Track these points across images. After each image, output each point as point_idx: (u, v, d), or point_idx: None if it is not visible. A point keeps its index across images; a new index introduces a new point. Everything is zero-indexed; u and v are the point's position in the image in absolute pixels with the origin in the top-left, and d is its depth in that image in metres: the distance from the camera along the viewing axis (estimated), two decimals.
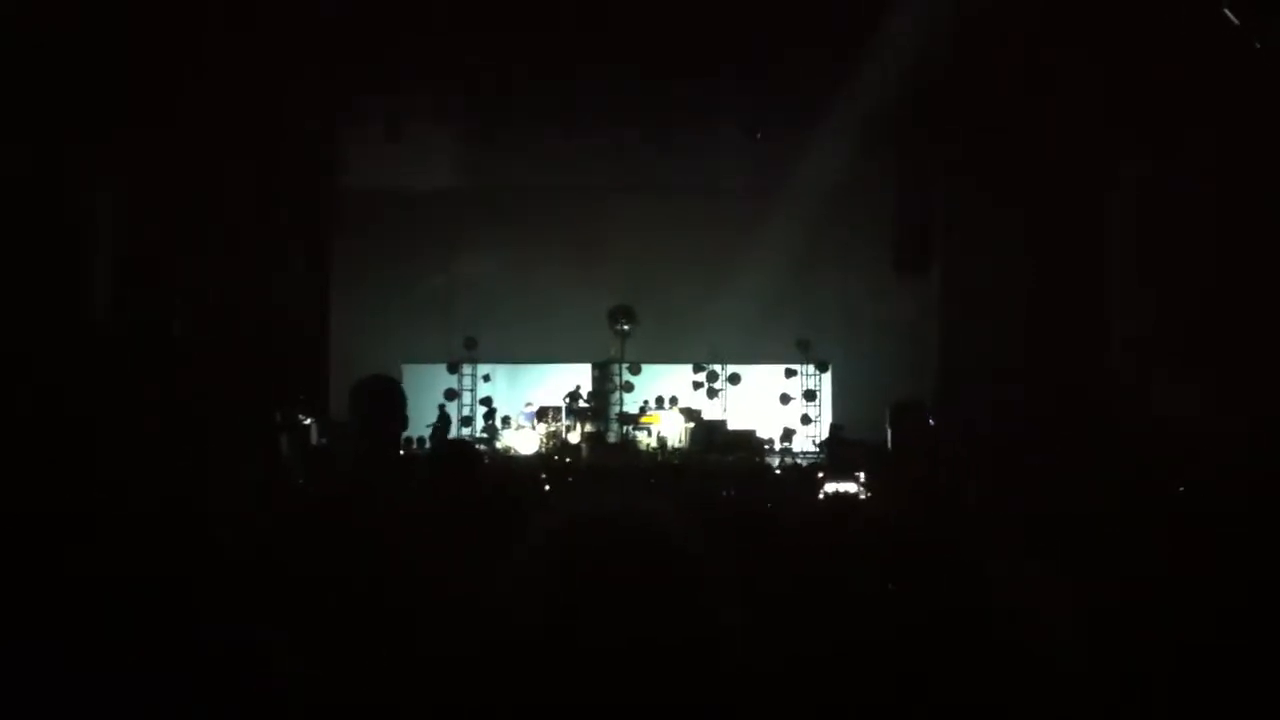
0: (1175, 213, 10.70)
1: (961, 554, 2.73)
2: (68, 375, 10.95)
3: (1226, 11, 9.23)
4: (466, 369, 16.60)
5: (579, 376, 16.24)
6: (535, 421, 15.71)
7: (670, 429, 15.55)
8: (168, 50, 11.27)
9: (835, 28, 11.79)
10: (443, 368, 16.38)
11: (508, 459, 14.30)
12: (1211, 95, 9.76)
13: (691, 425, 15.49)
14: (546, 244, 16.16)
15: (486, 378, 16.72)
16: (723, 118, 14.43)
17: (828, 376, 16.76)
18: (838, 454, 11.69)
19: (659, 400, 16.01)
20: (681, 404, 16.00)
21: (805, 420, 16.47)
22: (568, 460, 13.67)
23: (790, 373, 16.65)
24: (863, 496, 5.61)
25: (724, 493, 5.92)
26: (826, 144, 14.43)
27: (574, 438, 15.32)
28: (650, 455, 14.74)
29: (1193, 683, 2.31)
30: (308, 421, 13.95)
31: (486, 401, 16.40)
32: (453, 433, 15.99)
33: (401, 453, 4.27)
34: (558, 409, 15.76)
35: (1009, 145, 12.08)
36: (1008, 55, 11.31)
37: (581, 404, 15.74)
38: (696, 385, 16.56)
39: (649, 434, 15.46)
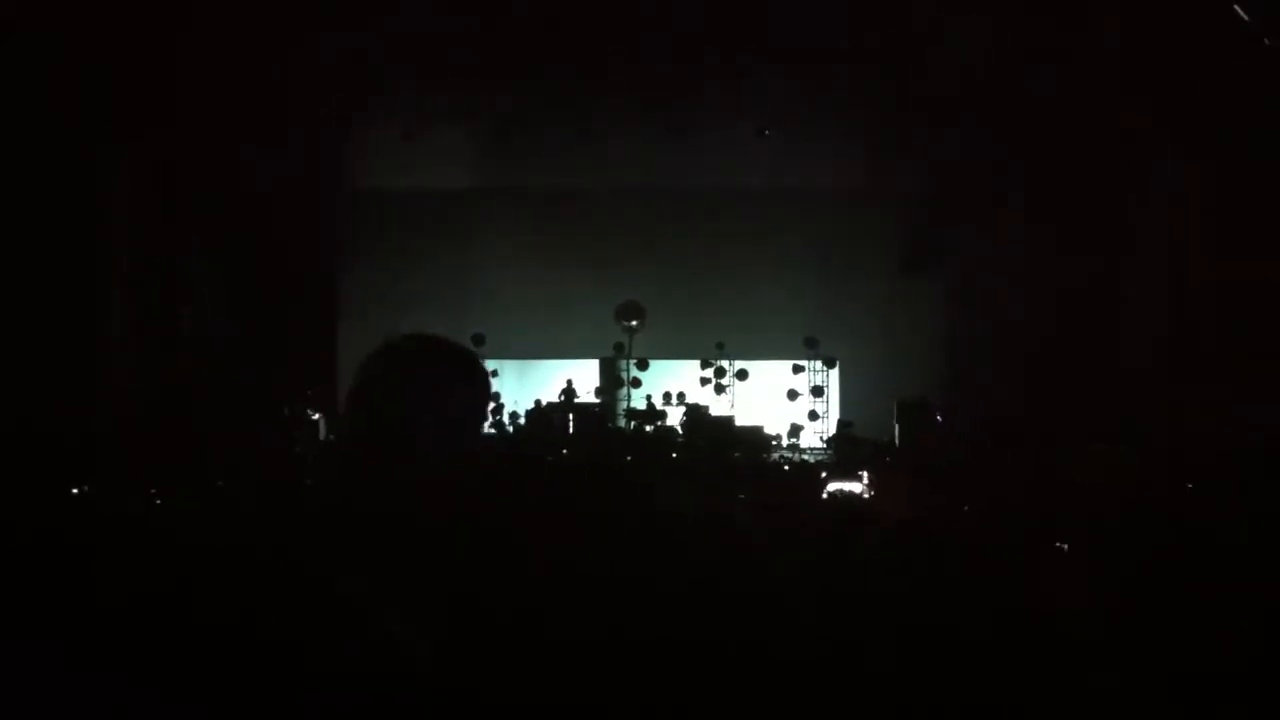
0: (1186, 214, 10.69)
1: (970, 554, 2.75)
2: (77, 374, 11.00)
3: (1237, 8, 9.23)
4: None
5: (587, 372, 16.26)
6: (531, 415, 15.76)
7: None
8: (181, 49, 11.30)
9: (847, 30, 11.81)
10: None
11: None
12: (1230, 95, 9.76)
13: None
14: (555, 241, 16.20)
15: (495, 373, 16.75)
16: (732, 118, 14.43)
17: (835, 373, 16.75)
18: (845, 451, 11.72)
19: (666, 396, 16.01)
20: (689, 400, 16.01)
21: (813, 416, 16.47)
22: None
23: (798, 369, 16.64)
24: (867, 496, 5.63)
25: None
26: (835, 145, 14.44)
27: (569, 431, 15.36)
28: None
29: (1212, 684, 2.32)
30: (316, 417, 14.02)
31: (495, 397, 16.44)
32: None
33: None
34: (554, 404, 15.79)
35: (1017, 146, 12.10)
36: (1015, 57, 11.32)
37: (576, 399, 15.78)
38: (704, 381, 16.56)
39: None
